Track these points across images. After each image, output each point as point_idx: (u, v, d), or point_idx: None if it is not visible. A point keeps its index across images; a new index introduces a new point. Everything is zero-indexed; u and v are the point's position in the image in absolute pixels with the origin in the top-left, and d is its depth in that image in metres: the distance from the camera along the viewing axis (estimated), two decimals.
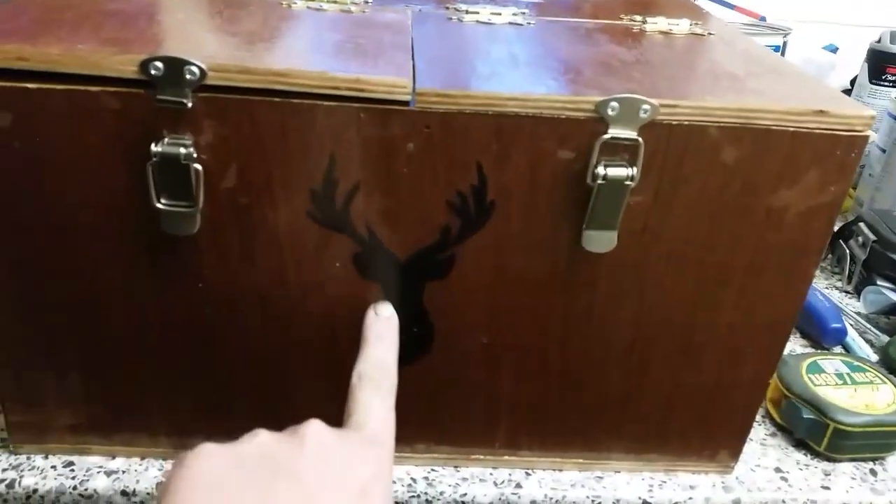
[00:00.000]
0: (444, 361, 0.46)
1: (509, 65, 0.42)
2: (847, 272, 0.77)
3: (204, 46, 0.38)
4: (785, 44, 0.95)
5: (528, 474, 0.51)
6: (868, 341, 0.68)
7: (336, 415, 0.36)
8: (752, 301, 0.45)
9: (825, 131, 0.39)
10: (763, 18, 1.01)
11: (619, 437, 0.51)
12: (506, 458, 0.51)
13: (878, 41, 0.97)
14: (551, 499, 0.50)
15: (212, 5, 0.46)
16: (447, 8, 0.51)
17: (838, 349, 0.67)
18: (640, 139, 0.38)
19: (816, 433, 0.54)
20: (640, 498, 0.50)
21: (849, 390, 0.56)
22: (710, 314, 0.45)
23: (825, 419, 0.54)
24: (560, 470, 0.51)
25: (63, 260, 0.40)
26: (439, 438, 0.50)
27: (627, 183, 0.39)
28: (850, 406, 0.54)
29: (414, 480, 0.50)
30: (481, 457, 0.50)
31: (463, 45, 0.45)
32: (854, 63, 1.03)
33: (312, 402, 0.47)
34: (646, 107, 0.38)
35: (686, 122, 0.39)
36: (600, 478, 0.51)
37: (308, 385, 0.46)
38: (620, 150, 0.39)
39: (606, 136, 0.38)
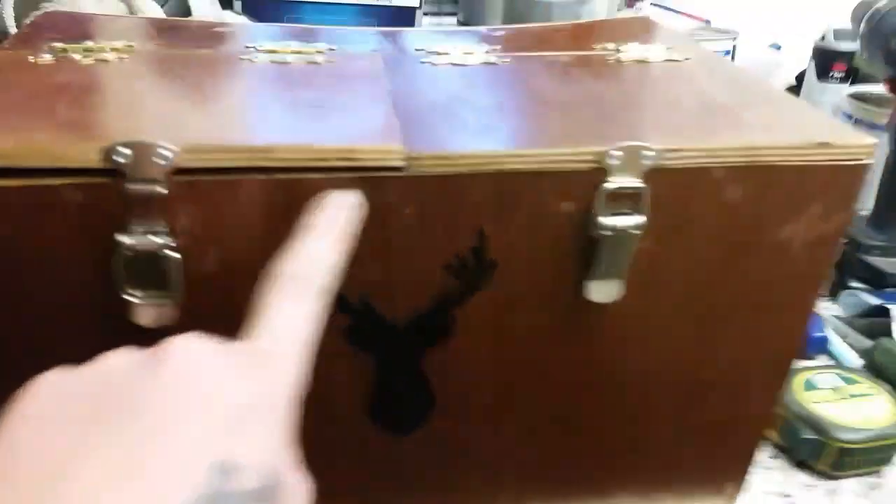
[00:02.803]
0: (446, 425, 0.43)
1: (498, 115, 0.39)
2: None
3: (172, 123, 0.35)
4: (734, 47, 0.96)
5: None
6: (850, 345, 0.68)
7: None
8: (756, 336, 0.44)
9: (829, 163, 0.38)
10: (708, 22, 1.01)
11: (627, 483, 0.49)
12: None
13: (822, 39, 0.99)
14: None
15: (167, 69, 0.42)
16: (416, 50, 0.49)
17: (824, 358, 0.67)
18: (645, 186, 0.36)
19: (817, 452, 0.54)
20: None
21: (845, 405, 0.56)
22: (715, 352, 0.44)
23: (826, 438, 0.53)
24: None
25: (26, 354, 0.36)
26: (442, 502, 0.47)
27: (634, 232, 0.37)
28: (849, 423, 0.54)
29: None
30: None
31: (444, 93, 0.42)
32: (798, 60, 1.04)
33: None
34: (649, 153, 0.36)
35: (690, 166, 0.37)
36: None
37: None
38: (625, 199, 0.37)
39: (611, 187, 0.36)
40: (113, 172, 0.31)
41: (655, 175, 0.37)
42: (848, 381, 0.59)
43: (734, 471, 0.50)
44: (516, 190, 0.36)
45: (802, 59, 1.03)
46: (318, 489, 0.44)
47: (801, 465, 0.55)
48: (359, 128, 0.35)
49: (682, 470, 0.49)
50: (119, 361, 0.25)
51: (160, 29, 0.50)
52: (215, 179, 0.32)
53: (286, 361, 0.27)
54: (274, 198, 0.33)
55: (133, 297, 0.34)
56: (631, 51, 0.51)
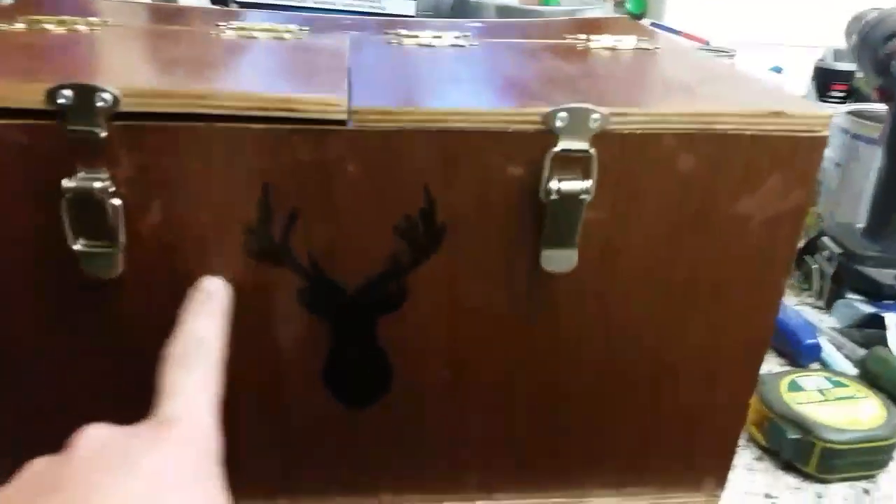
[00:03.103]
0: (404, 401, 0.43)
1: (451, 82, 0.40)
2: (816, 288, 0.76)
3: (120, 74, 0.36)
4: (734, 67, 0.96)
5: None
6: (845, 356, 0.66)
7: None
8: (722, 318, 0.43)
9: (784, 133, 0.38)
10: (707, 43, 1.02)
11: (599, 472, 0.47)
12: (480, 503, 0.47)
13: (822, 59, 0.99)
14: None
15: (133, 37, 0.43)
16: (386, 33, 0.49)
17: (816, 365, 0.65)
18: (592, 150, 0.36)
19: (803, 453, 0.52)
20: None
21: (832, 407, 0.54)
22: (680, 334, 0.43)
23: (811, 438, 0.51)
24: None
25: None
26: (406, 486, 0.46)
27: (583, 197, 0.37)
28: (835, 423, 0.52)
29: None
30: None
31: (402, 66, 0.43)
32: (800, 82, 1.04)
33: (259, 448, 0.43)
34: (595, 116, 0.36)
35: (639, 131, 0.37)
36: None
37: (254, 432, 0.42)
38: (573, 164, 0.37)
39: (557, 149, 0.36)
40: (56, 114, 0.32)
41: (604, 140, 0.36)
42: (836, 384, 0.57)
43: (712, 465, 0.48)
44: (461, 150, 0.36)
45: (804, 82, 1.02)
46: (277, 461, 0.43)
47: (788, 467, 0.53)
48: (305, 84, 0.36)
49: (656, 461, 0.47)
50: (36, 465, 0.27)
51: (140, 10, 0.52)
52: (155, 125, 0.33)
53: (190, 423, 0.29)
54: (215, 148, 0.34)
55: (77, 244, 0.34)
56: (602, 40, 0.51)
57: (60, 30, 0.42)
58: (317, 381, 0.41)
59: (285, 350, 0.40)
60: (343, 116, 0.34)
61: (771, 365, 0.65)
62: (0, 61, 0.35)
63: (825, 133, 0.38)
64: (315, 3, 0.90)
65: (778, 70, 1.03)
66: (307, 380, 0.41)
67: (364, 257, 0.38)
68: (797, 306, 0.75)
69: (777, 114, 0.37)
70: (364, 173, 0.36)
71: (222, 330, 0.35)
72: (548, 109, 0.36)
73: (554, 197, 0.37)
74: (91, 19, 0.45)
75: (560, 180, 0.36)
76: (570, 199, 0.37)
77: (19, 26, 0.42)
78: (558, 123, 0.36)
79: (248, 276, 0.37)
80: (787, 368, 0.63)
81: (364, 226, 0.37)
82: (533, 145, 0.36)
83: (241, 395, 0.40)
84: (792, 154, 0.38)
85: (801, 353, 0.64)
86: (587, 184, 0.37)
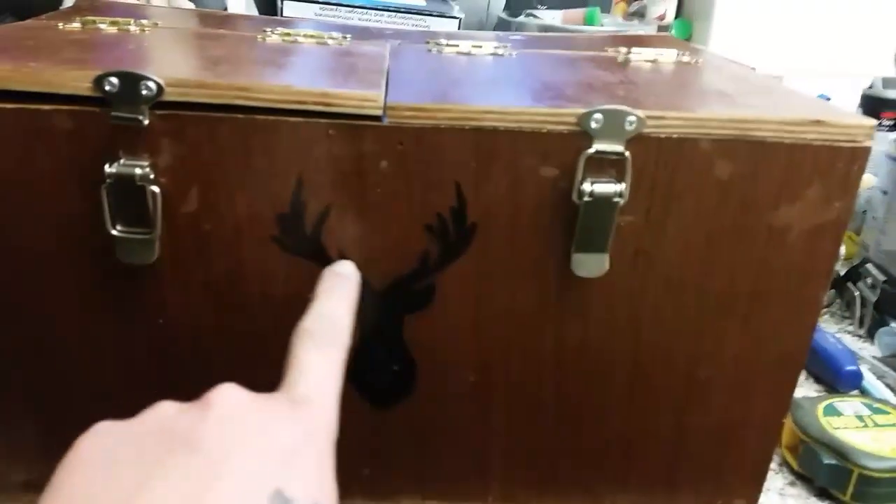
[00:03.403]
0: (429, 403, 0.42)
1: (487, 84, 0.40)
2: (858, 316, 0.73)
3: (164, 67, 0.37)
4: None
5: None
6: (887, 385, 0.64)
7: None
8: (758, 331, 0.42)
9: (824, 142, 0.37)
10: (753, 69, 1.01)
11: (624, 487, 0.46)
12: None
13: (871, 87, 0.97)
14: None
15: (181, 38, 0.45)
16: (427, 42, 0.50)
17: (855, 393, 0.63)
18: (626, 153, 0.36)
19: (839, 480, 0.50)
20: None
21: (871, 433, 0.52)
22: (713, 346, 0.42)
23: (848, 464, 0.50)
24: None
25: (9, 294, 0.38)
26: (427, 490, 0.45)
27: (616, 200, 0.37)
28: (874, 450, 0.50)
29: None
30: None
31: (440, 69, 0.43)
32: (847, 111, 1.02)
33: None
34: (631, 118, 0.36)
35: (675, 135, 0.37)
36: None
37: None
38: (607, 166, 0.37)
39: (591, 151, 0.36)
40: (102, 102, 0.33)
41: (639, 143, 0.36)
42: (875, 410, 0.55)
43: (742, 486, 0.47)
44: (495, 149, 0.36)
45: (852, 110, 1.01)
46: None
47: (823, 494, 0.51)
48: (343, 81, 0.36)
49: (684, 478, 0.46)
50: (165, 410, 0.27)
51: (190, 15, 0.54)
52: (196, 115, 0.34)
53: (321, 407, 0.30)
54: (252, 140, 0.34)
55: (115, 230, 0.35)
56: (643, 53, 0.51)
57: (112, 29, 0.44)
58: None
59: None
60: (378, 112, 0.35)
61: (808, 391, 0.63)
62: (53, 53, 0.37)
63: (867, 144, 0.38)
64: (360, 21, 0.91)
65: (826, 99, 1.02)
66: None
67: (393, 255, 0.38)
68: (837, 333, 0.73)
69: (817, 122, 0.37)
70: (397, 170, 0.36)
71: (353, 314, 0.35)
72: (583, 111, 0.36)
73: (587, 199, 0.36)
74: (142, 21, 0.47)
75: (593, 182, 0.36)
76: (603, 201, 0.37)
77: (75, 25, 0.44)
78: (593, 125, 0.36)
79: (278, 269, 0.38)
80: (825, 394, 0.61)
81: (395, 223, 0.37)
82: (567, 146, 0.36)
83: (265, 386, 0.40)
84: (832, 164, 0.38)
85: (840, 380, 0.62)
86: (621, 187, 0.36)
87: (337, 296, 0.35)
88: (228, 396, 0.27)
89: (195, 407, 0.27)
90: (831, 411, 0.54)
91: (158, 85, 0.33)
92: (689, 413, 0.44)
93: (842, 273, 0.78)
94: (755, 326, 0.42)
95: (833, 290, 0.77)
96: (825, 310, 0.77)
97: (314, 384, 0.30)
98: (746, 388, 0.43)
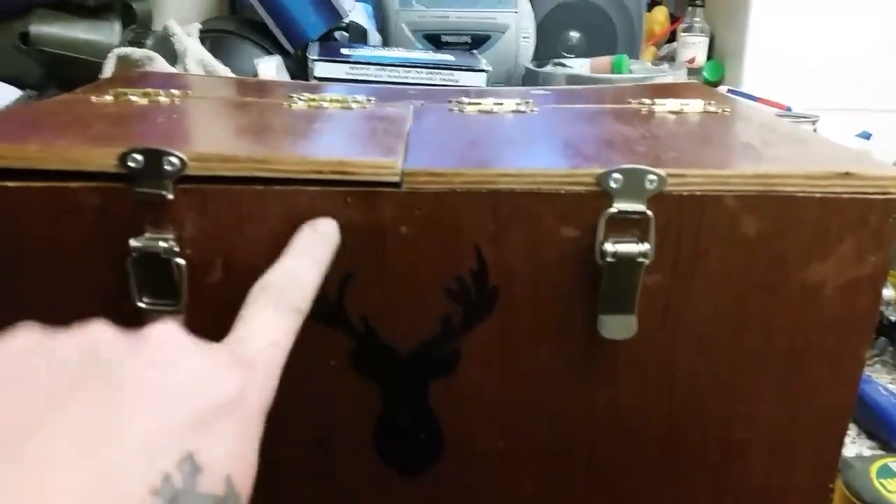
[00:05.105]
0: (457, 470, 0.42)
1: (505, 144, 0.40)
2: None
3: (189, 140, 0.38)
4: (815, 132, 0.93)
5: None
6: None
7: None
8: (797, 390, 0.40)
9: (855, 195, 0.36)
10: (788, 109, 0.99)
11: None
12: None
13: None
14: None
15: (209, 108, 0.46)
16: (449, 101, 0.51)
17: None
18: (648, 212, 0.35)
19: None
20: None
21: None
22: (749, 406, 0.40)
23: None
24: None
25: None
26: None
27: (641, 260, 0.36)
28: None
29: None
30: None
31: (459, 130, 0.43)
32: (889, 149, 1.00)
33: None
34: (652, 177, 0.35)
35: (699, 192, 0.36)
36: None
37: (297, 496, 0.42)
38: (630, 226, 0.36)
39: (612, 211, 0.35)
40: (127, 178, 0.34)
41: (662, 201, 0.36)
42: None
43: None
44: (512, 211, 0.36)
45: (895, 147, 0.98)
46: None
47: None
48: (361, 148, 0.37)
49: None
50: (102, 335, 0.25)
51: (223, 84, 0.55)
52: (218, 188, 0.34)
53: (263, 375, 0.28)
54: (273, 209, 0.35)
55: (142, 303, 0.36)
56: (668, 104, 0.51)
57: (143, 101, 0.45)
58: (366, 446, 0.40)
59: (334, 413, 0.40)
60: (396, 178, 0.35)
61: (861, 448, 0.60)
62: (83, 129, 0.38)
63: None
64: (390, 77, 0.93)
65: (866, 136, 0.99)
66: (356, 444, 0.40)
67: (416, 319, 0.38)
68: (890, 384, 0.69)
69: (846, 175, 0.36)
70: (417, 235, 0.36)
71: (321, 278, 0.33)
72: (602, 170, 0.35)
73: (610, 259, 0.36)
74: (174, 91, 0.48)
75: (615, 242, 0.36)
76: (628, 262, 0.36)
77: (107, 98, 0.46)
78: (612, 185, 0.35)
79: (300, 336, 0.38)
80: (879, 453, 0.59)
81: (417, 287, 0.37)
82: (587, 207, 0.36)
83: (286, 457, 0.40)
84: (865, 217, 0.36)
85: (894, 436, 0.59)
86: (645, 247, 0.36)
87: (309, 254, 0.33)
88: (170, 336, 0.25)
89: (132, 340, 0.25)
90: (886, 473, 0.51)
91: (181, 160, 0.34)
92: (728, 478, 0.42)
93: (893, 318, 0.75)
94: (793, 386, 0.40)
95: (883, 338, 0.74)
96: (877, 359, 0.74)
97: (262, 347, 0.28)
98: (787, 450, 0.41)
